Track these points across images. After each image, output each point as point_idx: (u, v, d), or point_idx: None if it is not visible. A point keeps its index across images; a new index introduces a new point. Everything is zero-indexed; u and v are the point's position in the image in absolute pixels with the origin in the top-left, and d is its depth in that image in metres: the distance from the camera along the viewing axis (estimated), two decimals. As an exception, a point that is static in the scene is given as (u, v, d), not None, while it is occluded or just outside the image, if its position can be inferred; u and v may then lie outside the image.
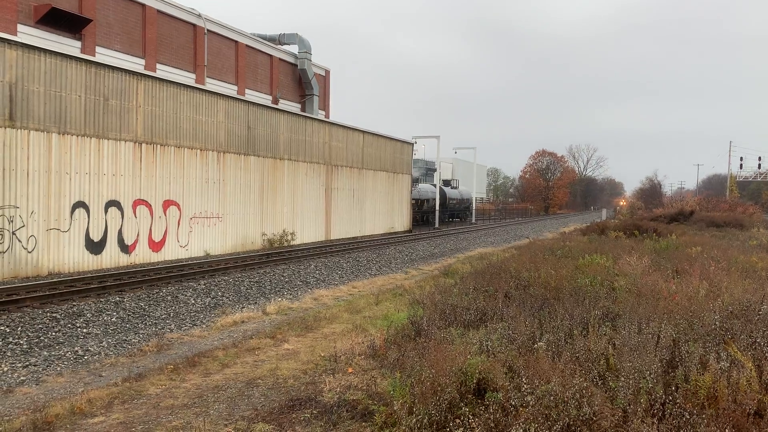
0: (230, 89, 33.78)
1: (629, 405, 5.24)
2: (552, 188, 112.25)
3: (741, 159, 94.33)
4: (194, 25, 32.18)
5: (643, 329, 7.41)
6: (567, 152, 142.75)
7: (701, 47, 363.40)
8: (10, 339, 10.08)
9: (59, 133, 17.34)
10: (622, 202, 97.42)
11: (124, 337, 10.71)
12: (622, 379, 5.67)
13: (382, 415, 5.80)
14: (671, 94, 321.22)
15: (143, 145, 20.18)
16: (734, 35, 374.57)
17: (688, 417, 5.02)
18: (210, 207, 23.38)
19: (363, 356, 8.39)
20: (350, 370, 7.78)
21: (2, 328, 10.62)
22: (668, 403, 5.27)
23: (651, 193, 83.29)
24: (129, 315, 12.33)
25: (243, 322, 12.07)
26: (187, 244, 22.17)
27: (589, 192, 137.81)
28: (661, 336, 7.05)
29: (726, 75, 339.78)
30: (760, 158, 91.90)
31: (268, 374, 8.02)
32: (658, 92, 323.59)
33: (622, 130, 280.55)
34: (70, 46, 24.27)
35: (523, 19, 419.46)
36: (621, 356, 6.40)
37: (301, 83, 42.17)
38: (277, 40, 40.84)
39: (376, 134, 37.99)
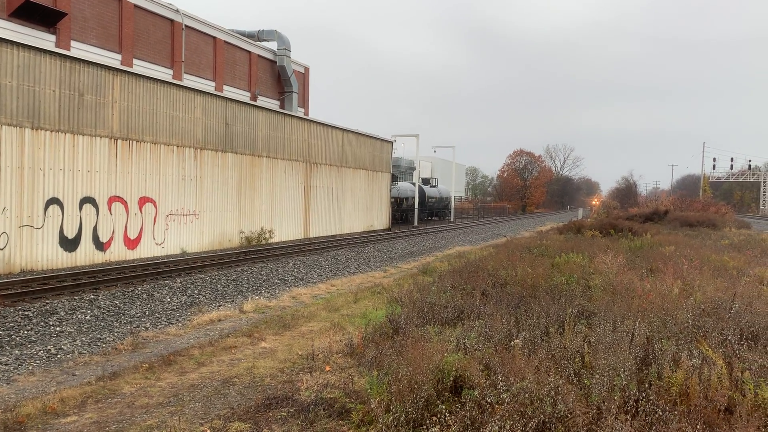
0: (208, 85, 33.48)
1: (603, 402, 5.31)
2: (529, 187, 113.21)
3: (714, 160, 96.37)
4: (172, 21, 31.82)
5: (618, 327, 7.51)
6: (544, 152, 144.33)
7: (676, 50, 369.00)
8: (-19, 338, 9.88)
9: (32, 128, 17.04)
10: (595, 201, 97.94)
11: (99, 336, 10.56)
12: (597, 376, 5.74)
13: (359, 414, 5.80)
14: (647, 95, 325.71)
15: (119, 141, 19.91)
16: (708, 39, 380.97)
17: (661, 413, 5.10)
18: (187, 204, 23.15)
19: (341, 354, 8.38)
20: (328, 368, 7.77)
21: (-28, 326, 10.41)
22: (641, 400, 5.34)
23: (626, 192, 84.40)
24: (104, 313, 12.17)
25: (220, 320, 11.98)
26: (164, 241, 21.94)
27: (565, 191, 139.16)
28: (636, 334, 7.15)
29: (700, 77, 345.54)
30: (732, 159, 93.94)
31: (245, 373, 7.97)
32: (634, 93, 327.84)
33: (599, 130, 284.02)
34: (44, 39, 23.85)
35: (503, 21, 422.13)
36: (596, 354, 6.48)
37: (280, 80, 41.93)
38: (256, 36, 40.54)
39: (356, 132, 37.94)
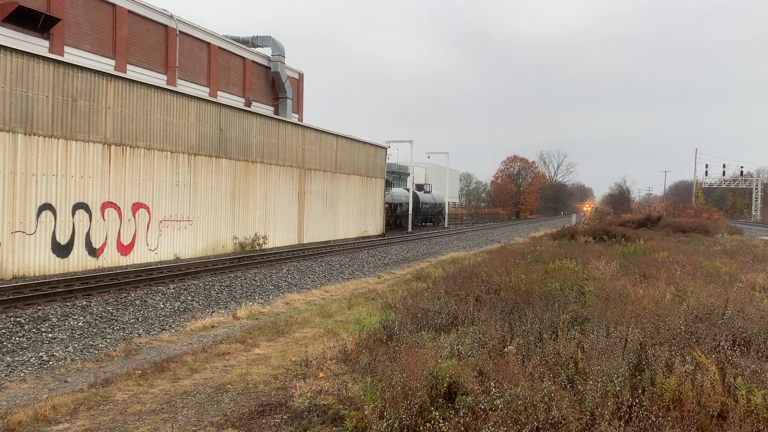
0: (202, 91, 33.46)
1: (597, 408, 5.32)
2: (523, 193, 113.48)
3: (706, 166, 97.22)
4: (166, 26, 31.82)
5: (611, 333, 7.53)
6: (538, 158, 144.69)
7: (669, 56, 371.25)
8: (-28, 344, 9.81)
9: (25, 134, 16.97)
10: (586, 207, 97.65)
11: (91, 342, 10.51)
12: (590, 382, 5.75)
13: (352, 420, 5.79)
14: (641, 102, 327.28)
15: (112, 146, 19.86)
16: (701, 45, 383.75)
17: (654, 419, 5.12)
18: (180, 210, 23.09)
19: (334, 361, 8.36)
20: (321, 374, 7.75)
21: (-37, 333, 10.33)
22: (635, 406, 5.36)
23: (620, 198, 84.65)
24: (96, 319, 12.10)
25: (213, 326, 11.94)
26: (157, 247, 21.86)
27: (559, 197, 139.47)
28: (629, 340, 7.17)
29: (691, 84, 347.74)
30: (724, 165, 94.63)
31: (238, 379, 7.94)
32: (628, 99, 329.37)
33: (593, 136, 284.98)
34: (37, 45, 23.79)
35: (497, 25, 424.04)
36: (589, 360, 6.49)
37: (275, 86, 41.97)
38: (250, 42, 40.61)
39: (350, 138, 37.97)
